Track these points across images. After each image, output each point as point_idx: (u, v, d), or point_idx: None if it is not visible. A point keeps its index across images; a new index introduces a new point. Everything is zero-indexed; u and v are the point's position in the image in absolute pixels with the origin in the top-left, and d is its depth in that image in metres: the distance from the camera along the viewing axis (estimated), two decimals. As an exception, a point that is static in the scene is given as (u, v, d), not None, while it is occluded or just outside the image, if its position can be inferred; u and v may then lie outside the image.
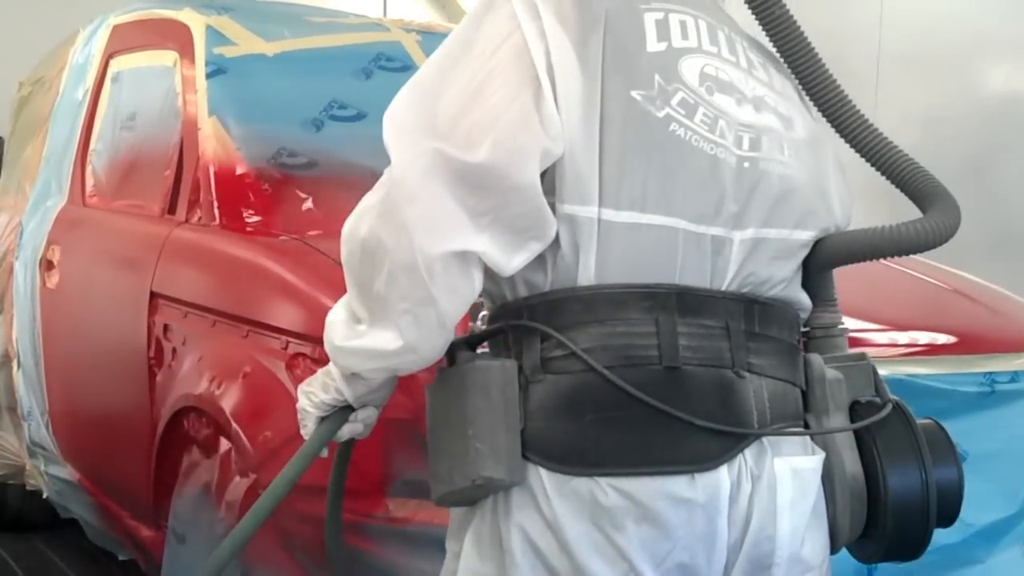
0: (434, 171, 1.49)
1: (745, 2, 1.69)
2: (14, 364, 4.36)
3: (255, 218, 3.13)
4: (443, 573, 1.72)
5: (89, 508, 3.88)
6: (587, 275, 1.54)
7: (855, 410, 1.69)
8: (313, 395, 1.78)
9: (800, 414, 1.65)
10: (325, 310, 2.49)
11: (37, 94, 5.00)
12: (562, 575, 1.53)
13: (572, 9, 1.55)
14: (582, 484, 1.51)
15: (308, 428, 1.81)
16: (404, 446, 2.35)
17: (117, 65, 4.20)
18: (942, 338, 2.87)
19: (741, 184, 1.58)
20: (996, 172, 5.56)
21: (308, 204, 3.16)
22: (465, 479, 1.54)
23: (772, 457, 1.57)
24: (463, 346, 1.62)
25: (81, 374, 3.84)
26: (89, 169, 4.17)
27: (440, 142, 1.50)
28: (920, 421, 1.73)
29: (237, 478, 2.59)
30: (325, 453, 1.87)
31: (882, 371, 2.60)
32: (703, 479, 1.51)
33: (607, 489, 1.50)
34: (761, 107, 1.64)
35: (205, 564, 1.93)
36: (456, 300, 1.54)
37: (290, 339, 2.59)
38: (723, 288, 1.58)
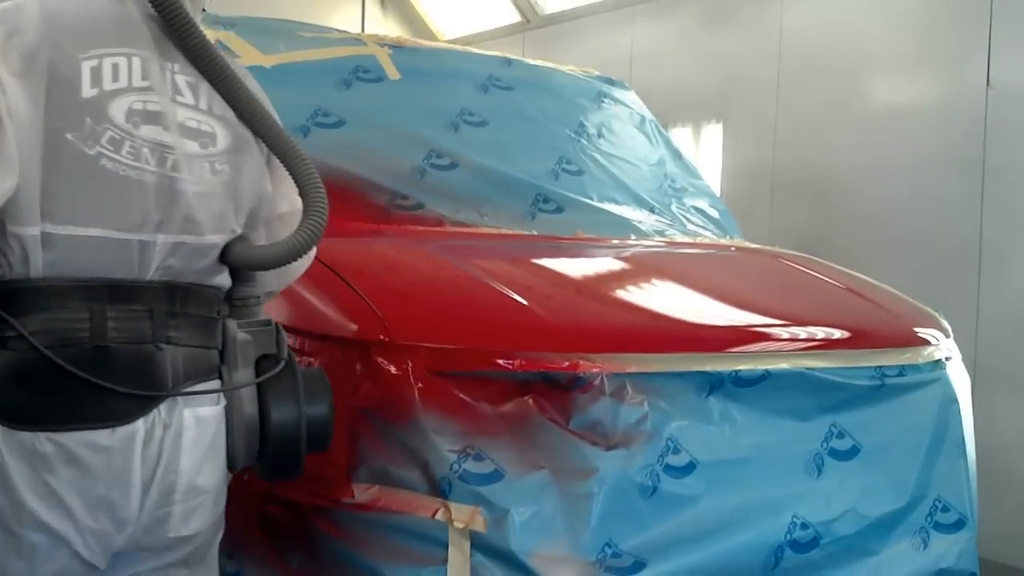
0: None
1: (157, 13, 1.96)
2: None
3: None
4: None
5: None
6: (37, 272, 1.83)
7: (260, 363, 2.06)
8: None
9: (214, 368, 2.01)
10: (307, 304, 2.74)
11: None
12: (3, 508, 1.84)
13: (20, 64, 1.79)
14: (26, 437, 1.82)
15: None
16: (369, 434, 2.53)
17: (135, 76, 4.36)
18: (836, 333, 3.01)
19: (162, 200, 1.89)
20: (881, 176, 5.77)
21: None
22: None
23: (183, 408, 1.93)
24: None
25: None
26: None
27: None
28: (307, 368, 2.16)
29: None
30: None
31: (783, 363, 2.79)
32: (121, 431, 1.86)
33: (44, 441, 1.82)
34: (184, 132, 1.94)
35: None
36: None
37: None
38: (148, 279, 1.91)
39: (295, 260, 2.00)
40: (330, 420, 2.12)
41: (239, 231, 2.02)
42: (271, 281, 2.17)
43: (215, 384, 2.00)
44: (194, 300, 1.98)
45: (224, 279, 2.04)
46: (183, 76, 1.97)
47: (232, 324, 2.04)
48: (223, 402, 2.01)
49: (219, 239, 1.98)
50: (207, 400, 1.97)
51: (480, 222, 3.61)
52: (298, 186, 2.03)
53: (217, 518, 2.07)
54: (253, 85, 2.13)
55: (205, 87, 1.99)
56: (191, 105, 1.96)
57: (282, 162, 2.05)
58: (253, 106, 2.01)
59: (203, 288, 2.00)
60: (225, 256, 2.01)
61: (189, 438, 1.93)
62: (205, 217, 1.94)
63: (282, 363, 2.05)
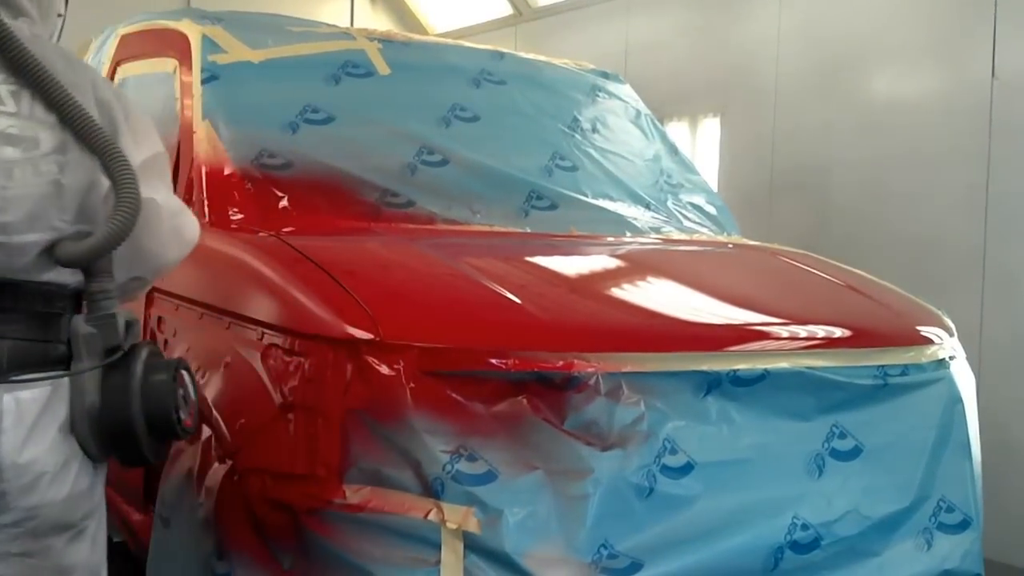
0: None
1: None
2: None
3: (238, 216, 3.29)
4: None
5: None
6: None
7: (108, 354, 2.12)
8: None
9: (46, 361, 2.11)
10: (297, 303, 2.71)
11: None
12: None
13: None
14: None
15: None
16: (361, 435, 2.49)
17: (124, 72, 4.37)
18: (837, 331, 2.99)
19: None
20: (884, 171, 5.74)
21: (284, 203, 3.32)
22: None
23: (1, 394, 2.03)
24: None
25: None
26: (97, 173, 4.32)
27: None
28: (158, 360, 2.18)
29: (216, 464, 2.73)
30: None
31: (783, 362, 2.76)
32: None
33: None
34: (2, 139, 2.04)
35: None
36: None
37: (265, 330, 2.73)
38: None
39: (104, 255, 2.08)
40: (169, 411, 2.15)
41: (66, 228, 2.10)
42: (126, 269, 2.22)
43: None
44: (24, 296, 2.09)
45: (61, 275, 2.12)
46: (6, 86, 2.09)
47: (78, 319, 2.13)
48: (47, 387, 2.08)
49: (36, 238, 2.06)
50: (31, 385, 2.07)
51: (472, 219, 3.59)
52: (111, 180, 2.09)
53: (71, 497, 2.14)
54: (97, 82, 2.22)
55: (29, 93, 2.09)
56: (12, 113, 2.08)
57: (98, 158, 2.10)
58: (67, 108, 2.09)
59: (35, 284, 2.10)
60: (56, 255, 2.10)
61: (9, 420, 2.03)
62: (16, 218, 2.03)
63: (119, 354, 2.11)
